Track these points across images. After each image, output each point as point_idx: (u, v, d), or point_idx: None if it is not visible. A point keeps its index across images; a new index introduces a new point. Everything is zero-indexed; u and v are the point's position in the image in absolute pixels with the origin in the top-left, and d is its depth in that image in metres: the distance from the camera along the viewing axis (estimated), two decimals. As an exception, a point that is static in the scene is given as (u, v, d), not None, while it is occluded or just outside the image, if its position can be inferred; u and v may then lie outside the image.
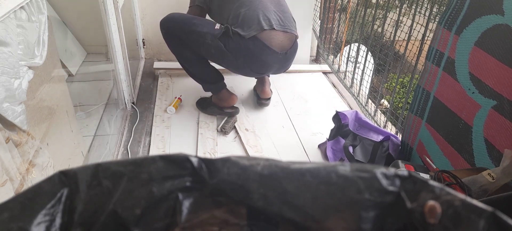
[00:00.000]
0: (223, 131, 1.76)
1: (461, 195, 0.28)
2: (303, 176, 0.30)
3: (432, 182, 0.29)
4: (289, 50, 1.70)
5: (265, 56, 1.64)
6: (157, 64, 2.35)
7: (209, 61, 1.79)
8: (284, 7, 1.73)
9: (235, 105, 1.91)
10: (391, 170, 0.30)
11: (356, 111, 1.62)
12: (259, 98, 2.02)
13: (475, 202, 0.27)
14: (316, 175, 0.30)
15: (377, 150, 1.49)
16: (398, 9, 1.62)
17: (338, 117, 1.63)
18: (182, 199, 0.32)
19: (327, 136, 1.65)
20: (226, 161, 0.32)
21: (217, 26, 1.65)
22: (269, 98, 2.02)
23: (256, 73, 1.81)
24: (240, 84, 2.21)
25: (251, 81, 2.16)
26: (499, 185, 0.89)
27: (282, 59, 1.70)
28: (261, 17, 1.60)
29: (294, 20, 1.78)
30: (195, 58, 1.75)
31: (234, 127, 1.81)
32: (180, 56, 1.79)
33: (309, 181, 0.30)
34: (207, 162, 0.32)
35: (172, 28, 1.71)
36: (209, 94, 1.96)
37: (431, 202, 0.28)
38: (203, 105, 1.93)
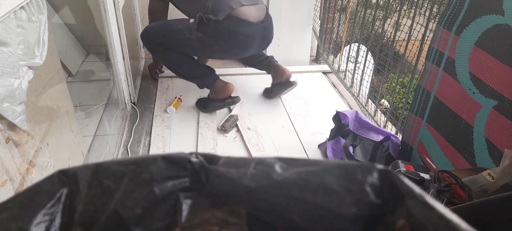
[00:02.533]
0: (223, 129, 1.76)
1: (443, 209, 0.26)
2: (290, 191, 0.30)
3: (413, 193, 0.28)
4: (264, 19, 1.75)
5: (244, 29, 1.68)
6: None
7: (195, 58, 1.84)
8: None
9: (233, 95, 1.92)
10: (380, 180, 0.29)
11: (356, 111, 1.62)
12: (281, 84, 2.00)
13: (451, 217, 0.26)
14: (303, 188, 0.30)
15: (377, 150, 1.49)
16: (397, 10, 1.62)
17: (338, 117, 1.63)
18: (183, 199, 0.32)
19: (327, 136, 1.65)
20: (215, 170, 0.31)
21: (191, 20, 1.70)
22: (293, 81, 2.02)
23: (244, 51, 1.81)
24: (242, 85, 2.21)
25: (252, 81, 2.16)
26: (499, 185, 0.89)
27: (262, 28, 1.74)
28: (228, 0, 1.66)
29: None
30: (181, 58, 1.79)
31: (236, 126, 1.81)
32: (168, 62, 1.85)
33: (296, 196, 0.30)
34: (204, 168, 0.32)
35: (151, 37, 1.79)
36: (206, 93, 1.96)
37: (402, 222, 0.27)
38: (203, 105, 1.93)
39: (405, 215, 0.28)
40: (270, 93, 2.07)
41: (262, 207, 0.30)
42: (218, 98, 1.88)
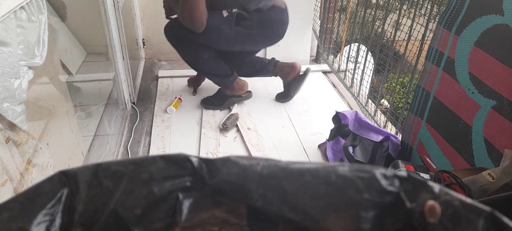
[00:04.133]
0: (224, 127, 1.77)
1: (460, 195, 0.28)
2: (303, 176, 0.30)
3: (431, 183, 0.29)
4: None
5: (284, 17, 1.79)
6: (161, 73, 2.35)
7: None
8: None
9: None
10: (390, 171, 0.31)
11: (356, 112, 1.62)
12: (296, 78, 1.99)
13: (474, 202, 0.27)
14: (315, 175, 0.30)
15: (377, 150, 1.49)
16: (398, 10, 1.62)
17: (338, 117, 1.63)
18: (183, 199, 0.32)
19: (327, 136, 1.65)
20: (226, 160, 0.32)
21: (224, 13, 1.65)
22: (306, 69, 2.04)
23: (280, 37, 1.86)
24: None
25: (252, 81, 2.15)
26: (499, 185, 0.89)
27: (288, 13, 1.82)
28: None
29: None
30: (213, 56, 1.80)
31: (236, 125, 1.81)
32: (196, 61, 1.82)
33: (308, 180, 0.30)
34: (207, 162, 0.32)
35: (180, 33, 1.68)
36: (210, 93, 1.96)
37: (431, 202, 0.28)
38: (216, 102, 1.94)
39: (431, 198, 0.28)
40: (288, 93, 2.03)
41: (271, 195, 0.31)
42: (235, 94, 1.95)
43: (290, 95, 2.04)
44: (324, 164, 0.31)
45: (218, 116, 1.90)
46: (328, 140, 1.64)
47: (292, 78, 1.99)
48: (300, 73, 1.99)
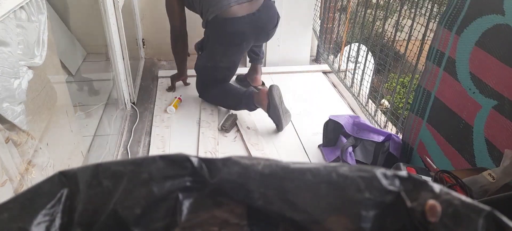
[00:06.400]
0: (223, 129, 1.76)
1: (460, 195, 0.28)
2: (304, 175, 0.31)
3: (431, 182, 0.30)
4: (258, 10, 1.67)
5: (231, 27, 1.65)
6: (161, 73, 2.35)
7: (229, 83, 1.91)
8: None
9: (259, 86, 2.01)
10: (391, 170, 0.31)
11: (349, 116, 1.61)
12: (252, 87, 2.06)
13: (474, 201, 0.27)
14: (316, 174, 0.30)
15: (379, 150, 1.49)
16: (398, 9, 1.62)
17: (332, 122, 1.61)
18: (182, 199, 0.32)
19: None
20: (227, 160, 0.32)
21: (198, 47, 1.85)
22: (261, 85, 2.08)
23: (239, 47, 1.75)
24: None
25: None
26: (500, 185, 0.89)
27: (253, 20, 1.66)
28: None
29: None
30: (223, 88, 1.87)
31: (235, 125, 1.81)
32: (223, 100, 1.91)
33: (309, 180, 0.30)
34: (207, 162, 0.32)
35: (206, 88, 1.90)
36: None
37: (432, 201, 0.28)
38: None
39: (431, 197, 0.29)
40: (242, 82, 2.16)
41: (272, 194, 0.31)
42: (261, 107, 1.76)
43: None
44: (325, 164, 0.31)
45: (217, 116, 1.89)
46: (322, 146, 1.64)
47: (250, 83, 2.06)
48: (256, 86, 1.97)
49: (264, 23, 1.74)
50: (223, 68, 1.83)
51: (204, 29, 1.79)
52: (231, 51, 1.76)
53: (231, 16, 1.63)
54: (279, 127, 1.75)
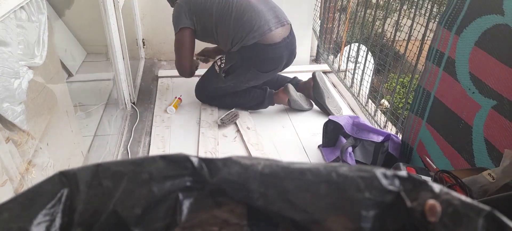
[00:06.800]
0: (222, 122, 1.77)
1: (460, 195, 0.28)
2: (304, 175, 0.31)
3: (430, 182, 0.30)
4: (289, 34, 1.76)
5: (271, 53, 1.69)
6: (161, 73, 2.35)
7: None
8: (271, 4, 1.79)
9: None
10: (391, 170, 0.31)
11: (348, 116, 1.61)
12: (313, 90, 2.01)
13: (474, 201, 0.27)
14: (316, 174, 0.31)
15: (379, 151, 1.49)
16: (398, 9, 1.62)
17: (332, 123, 1.61)
18: (183, 199, 0.32)
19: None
20: (227, 160, 0.32)
21: (216, 67, 1.82)
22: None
23: (275, 71, 1.84)
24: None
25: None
26: (499, 185, 0.89)
27: (287, 44, 1.74)
28: (256, 24, 1.66)
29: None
30: (235, 96, 1.90)
31: (235, 123, 1.81)
32: (225, 105, 1.94)
33: (309, 179, 0.30)
34: (207, 162, 0.32)
35: (207, 97, 1.95)
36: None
37: (432, 201, 0.28)
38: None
39: (431, 197, 0.29)
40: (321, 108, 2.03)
41: (272, 194, 0.31)
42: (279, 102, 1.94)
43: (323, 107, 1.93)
44: (325, 164, 0.31)
45: (217, 116, 1.89)
46: (322, 146, 1.64)
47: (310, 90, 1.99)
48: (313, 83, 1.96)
49: (294, 47, 1.83)
50: (245, 87, 1.88)
51: (227, 52, 1.78)
52: (266, 75, 1.81)
53: (272, 42, 1.67)
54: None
